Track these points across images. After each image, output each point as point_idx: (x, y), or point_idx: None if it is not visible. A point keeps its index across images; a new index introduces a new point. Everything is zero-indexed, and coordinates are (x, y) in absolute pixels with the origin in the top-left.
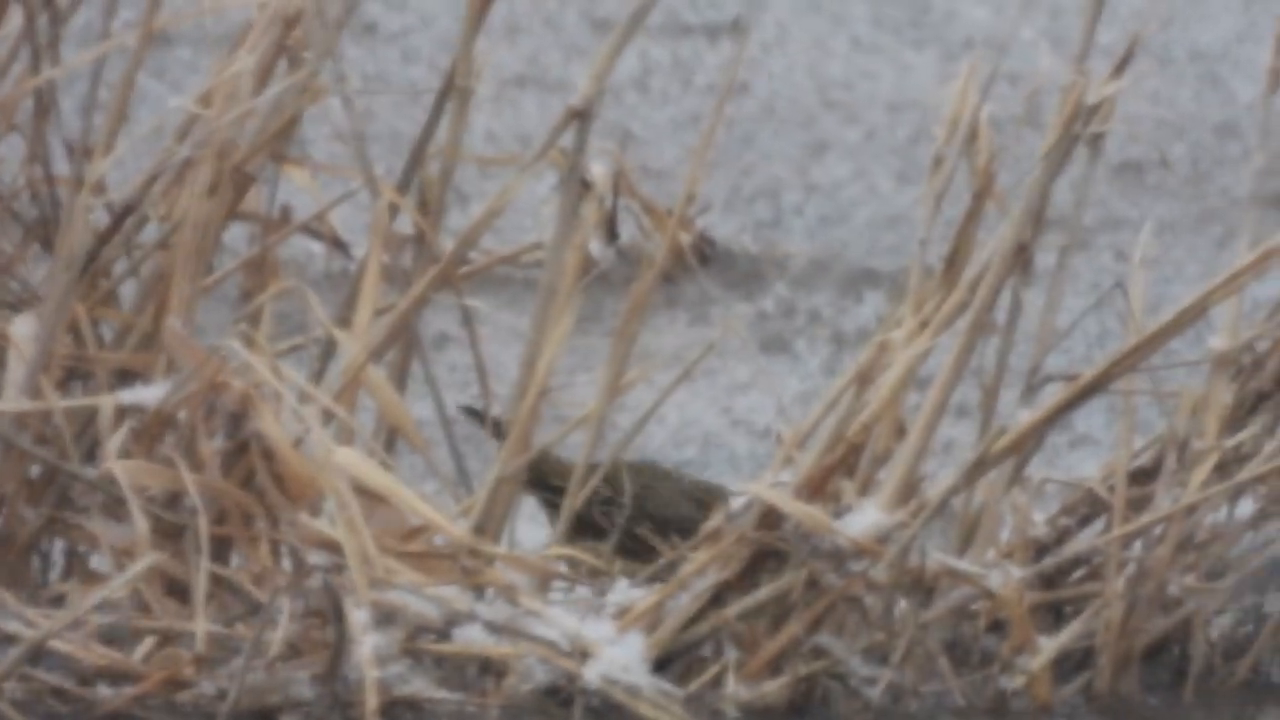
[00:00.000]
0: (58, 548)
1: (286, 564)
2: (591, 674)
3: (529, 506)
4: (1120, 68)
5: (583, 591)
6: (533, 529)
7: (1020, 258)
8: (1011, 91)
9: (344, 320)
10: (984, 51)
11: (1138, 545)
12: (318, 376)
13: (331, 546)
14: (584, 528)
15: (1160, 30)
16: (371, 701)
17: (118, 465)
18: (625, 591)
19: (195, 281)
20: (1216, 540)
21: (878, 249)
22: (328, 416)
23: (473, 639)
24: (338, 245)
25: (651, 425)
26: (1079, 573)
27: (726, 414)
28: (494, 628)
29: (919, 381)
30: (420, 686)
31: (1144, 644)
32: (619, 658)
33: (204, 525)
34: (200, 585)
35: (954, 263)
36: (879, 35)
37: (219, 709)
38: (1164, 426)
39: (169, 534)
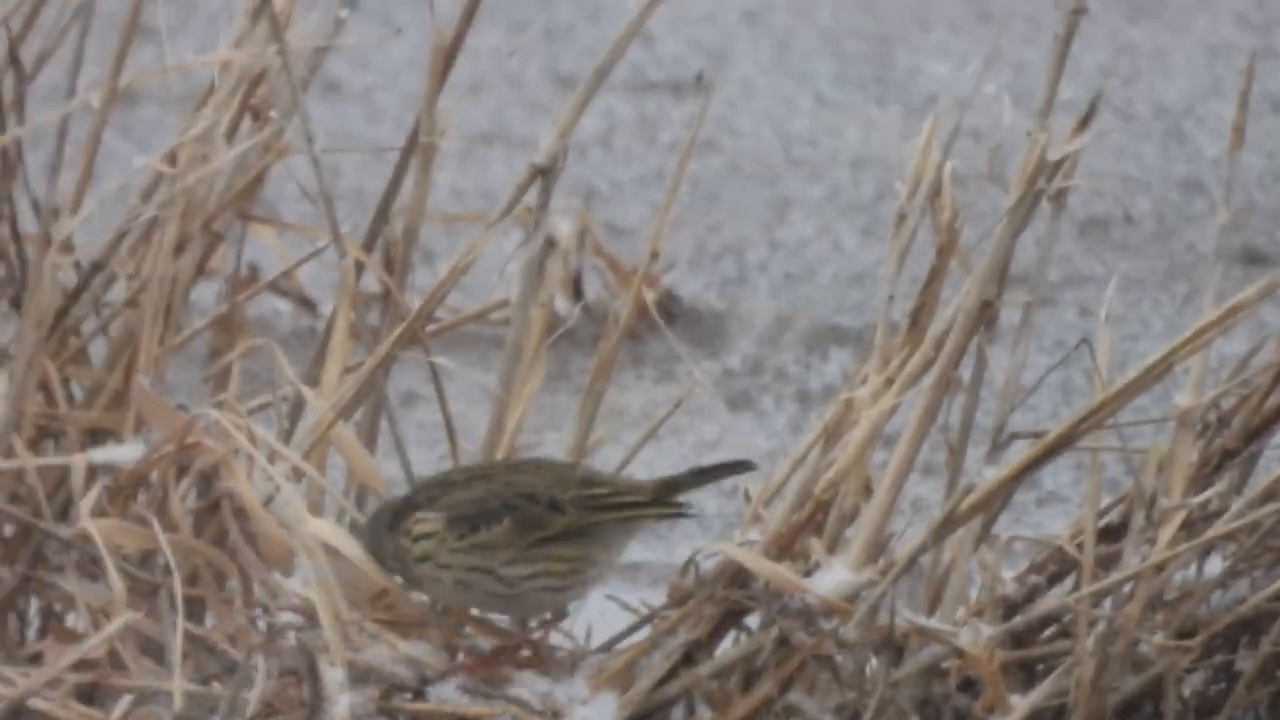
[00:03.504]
0: (34, 606)
1: (261, 623)
2: None
3: None
4: (1084, 124)
5: (554, 652)
6: None
7: (985, 314)
8: (975, 148)
9: (313, 378)
10: (947, 108)
11: (1108, 603)
12: (287, 435)
13: (305, 607)
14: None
15: (1123, 86)
16: None
17: (92, 524)
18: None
19: (164, 340)
20: (1186, 598)
21: (843, 306)
22: (298, 474)
23: (446, 698)
24: (305, 303)
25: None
26: (1049, 630)
27: None
28: (468, 688)
29: (885, 439)
30: None
31: (1116, 702)
32: (590, 718)
33: (178, 584)
34: (176, 644)
35: (919, 319)
36: (843, 92)
37: None
38: (1131, 484)
39: (144, 593)
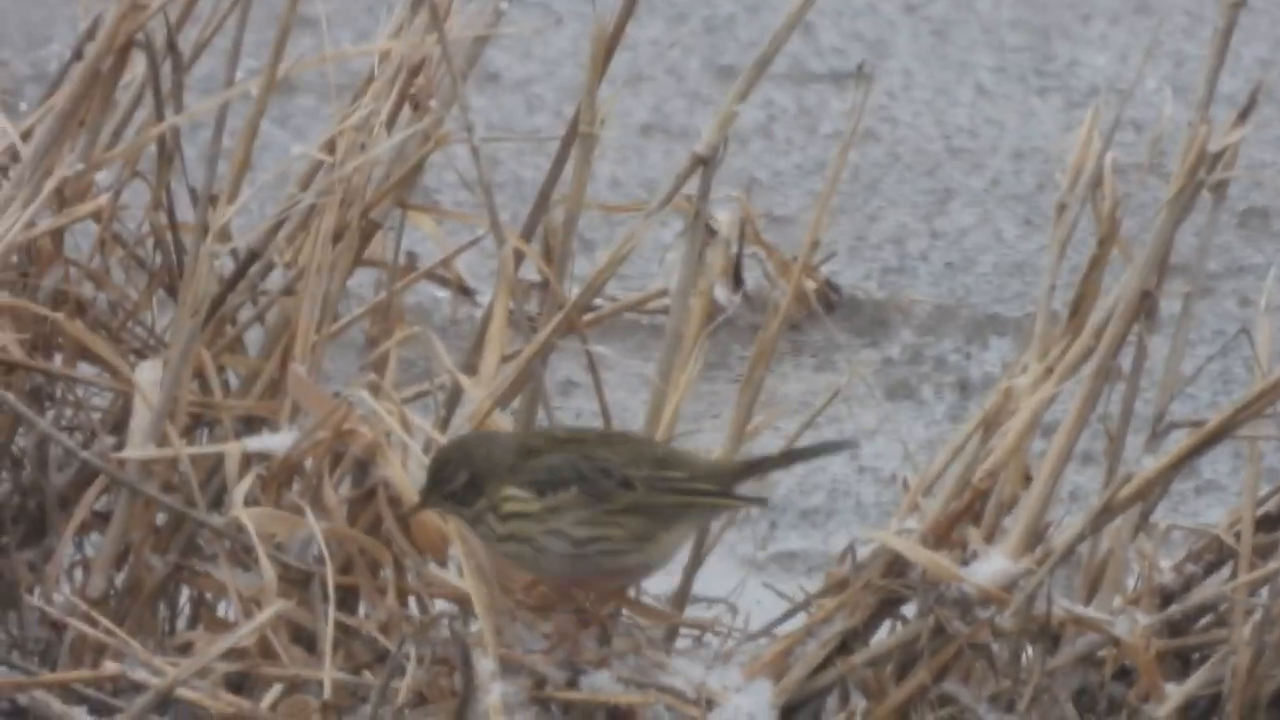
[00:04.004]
0: (185, 595)
1: (414, 612)
2: None
3: None
4: (1243, 115)
5: (710, 639)
6: (660, 577)
7: (1145, 304)
8: (1135, 139)
9: (470, 366)
10: (1107, 99)
11: (1264, 592)
12: (444, 423)
13: (459, 596)
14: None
15: None
16: None
17: (245, 513)
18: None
19: (320, 328)
20: None
21: (1003, 295)
22: None
23: (600, 687)
24: (463, 291)
25: (778, 472)
26: (1206, 619)
27: (853, 461)
28: (621, 676)
29: (1044, 428)
30: None
31: (1272, 691)
32: (745, 705)
33: (331, 573)
34: (327, 633)
35: (1079, 309)
36: (1003, 83)
37: None
38: None
39: (296, 582)
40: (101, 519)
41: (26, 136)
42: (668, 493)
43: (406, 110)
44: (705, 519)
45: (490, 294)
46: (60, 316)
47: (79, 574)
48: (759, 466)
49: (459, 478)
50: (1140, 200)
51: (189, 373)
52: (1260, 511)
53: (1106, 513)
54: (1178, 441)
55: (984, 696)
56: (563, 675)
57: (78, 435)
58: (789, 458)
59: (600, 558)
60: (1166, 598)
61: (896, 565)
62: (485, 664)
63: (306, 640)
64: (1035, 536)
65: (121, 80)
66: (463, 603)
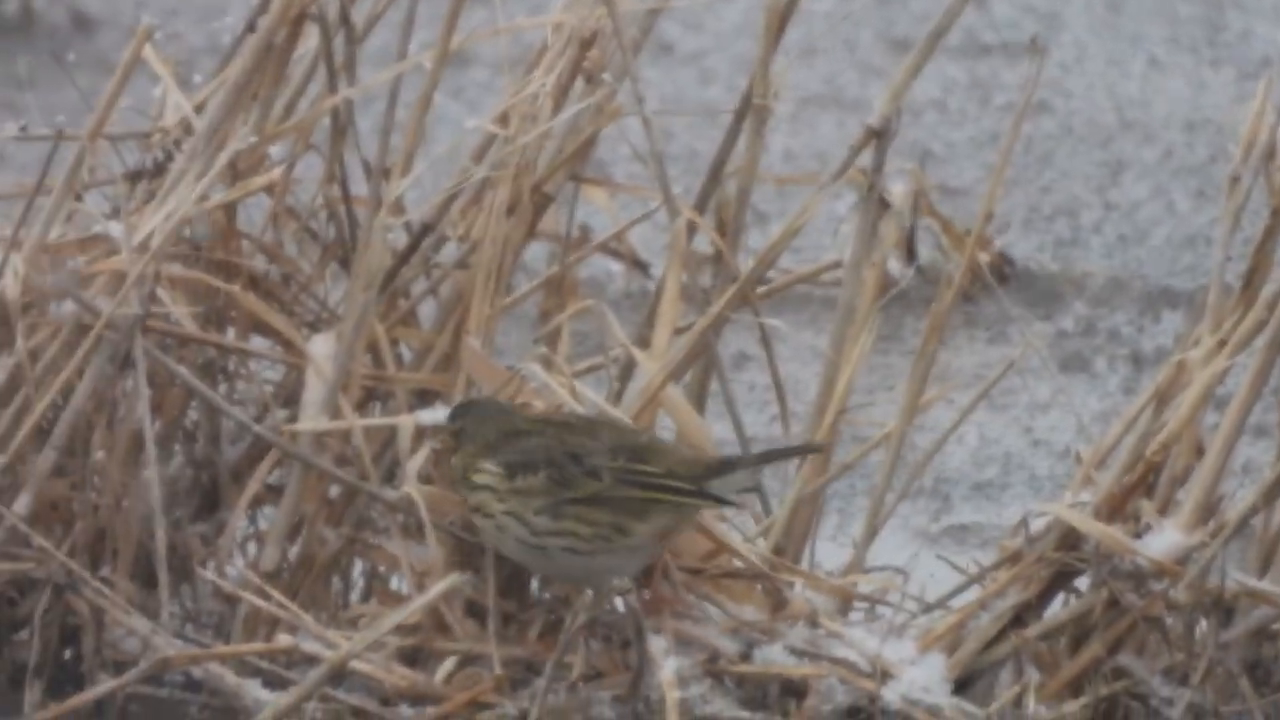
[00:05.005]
0: (358, 568)
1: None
2: (892, 694)
3: (829, 527)
4: None
5: (883, 612)
6: (833, 549)
7: None
8: None
9: (643, 339)
10: None
11: None
12: (617, 396)
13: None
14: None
15: None
16: None
17: (417, 490)
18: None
19: (494, 301)
20: None
21: (1176, 268)
22: None
23: (773, 660)
24: (636, 265)
25: (951, 445)
26: None
27: (1027, 434)
28: (795, 649)
29: (1217, 400)
30: (721, 707)
31: None
32: (919, 678)
33: None
34: (496, 609)
35: (1252, 281)
36: (1176, 54)
37: None
38: None
39: (471, 553)
40: (274, 492)
41: (200, 109)
42: (635, 486)
43: (579, 83)
44: (674, 518)
45: (663, 267)
46: (234, 290)
47: (252, 547)
48: (732, 465)
49: (457, 423)
50: None
51: (362, 346)
52: None
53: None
54: None
55: (1157, 670)
56: (736, 649)
57: (251, 409)
58: (763, 458)
59: (563, 555)
60: None
61: (1070, 538)
62: (658, 639)
63: (481, 614)
64: (1208, 509)
65: (295, 53)
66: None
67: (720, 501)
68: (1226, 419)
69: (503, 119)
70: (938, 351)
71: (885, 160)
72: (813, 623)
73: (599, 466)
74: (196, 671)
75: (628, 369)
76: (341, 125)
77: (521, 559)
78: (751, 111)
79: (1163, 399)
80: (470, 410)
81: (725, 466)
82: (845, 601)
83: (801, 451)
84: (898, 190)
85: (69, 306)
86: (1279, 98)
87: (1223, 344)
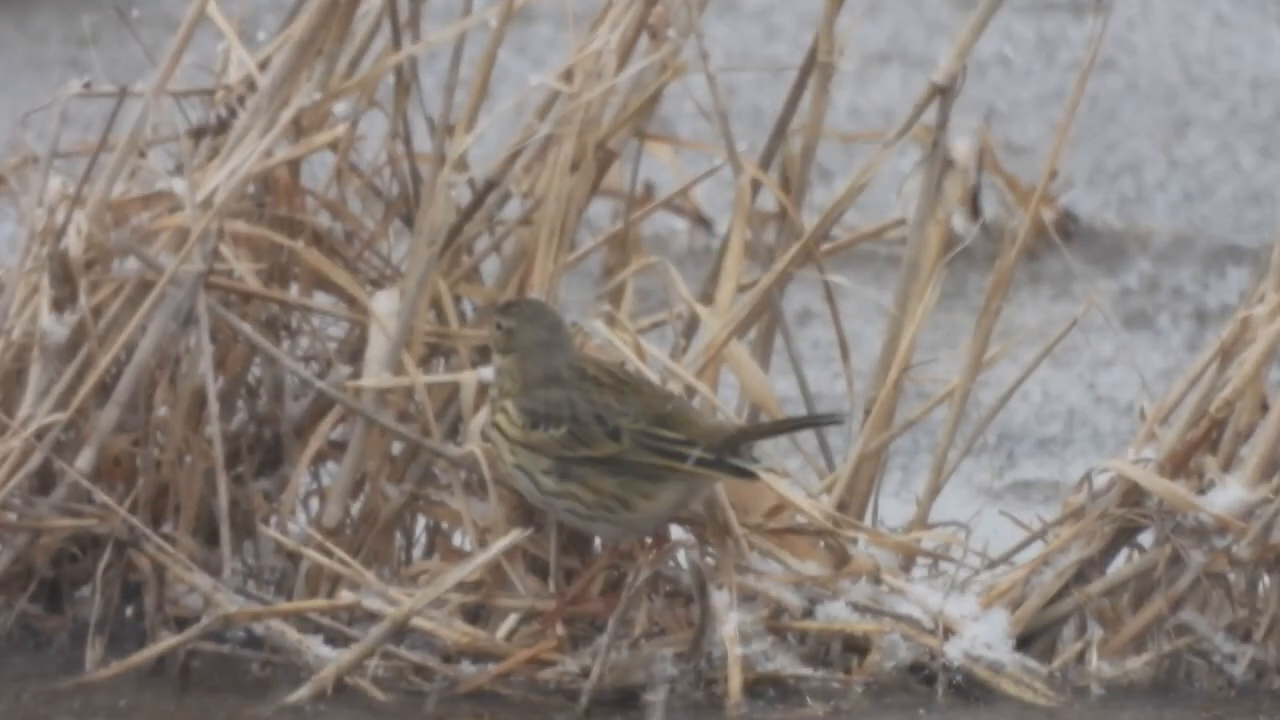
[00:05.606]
0: (420, 525)
1: (650, 543)
2: (954, 651)
3: (891, 483)
4: None
5: (946, 569)
6: (896, 505)
7: None
8: None
9: (706, 296)
10: None
11: None
12: (681, 352)
13: (695, 525)
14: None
15: None
16: (735, 678)
17: (479, 447)
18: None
19: (558, 258)
20: None
21: (1241, 225)
22: (690, 393)
23: (835, 616)
24: (700, 221)
25: (1015, 401)
26: None
27: (1090, 390)
28: (857, 605)
29: None
30: (783, 663)
31: None
32: (982, 634)
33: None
34: (555, 566)
35: None
36: (1241, 12)
37: (582, 686)
38: None
39: (532, 510)
40: (337, 449)
41: (264, 66)
42: (653, 452)
43: (644, 39)
44: (687, 489)
45: (727, 223)
46: (297, 246)
47: (314, 504)
48: (750, 434)
49: (505, 325)
50: None
51: (425, 302)
52: None
53: None
54: None
55: (1220, 626)
56: (799, 605)
57: (314, 365)
58: (779, 427)
59: (566, 515)
60: None
61: (1133, 494)
62: (721, 594)
63: (543, 570)
64: (1272, 465)
65: (359, 9)
66: (699, 533)
67: (739, 473)
68: None
69: (567, 75)
70: (1001, 308)
71: (950, 117)
72: (875, 579)
73: (620, 428)
74: (258, 628)
75: (691, 325)
76: (405, 82)
77: (532, 499)
78: (817, 68)
79: (1227, 355)
80: (524, 313)
81: (744, 435)
82: (908, 558)
83: (822, 422)
84: (962, 147)
85: (132, 263)
86: None
87: None
